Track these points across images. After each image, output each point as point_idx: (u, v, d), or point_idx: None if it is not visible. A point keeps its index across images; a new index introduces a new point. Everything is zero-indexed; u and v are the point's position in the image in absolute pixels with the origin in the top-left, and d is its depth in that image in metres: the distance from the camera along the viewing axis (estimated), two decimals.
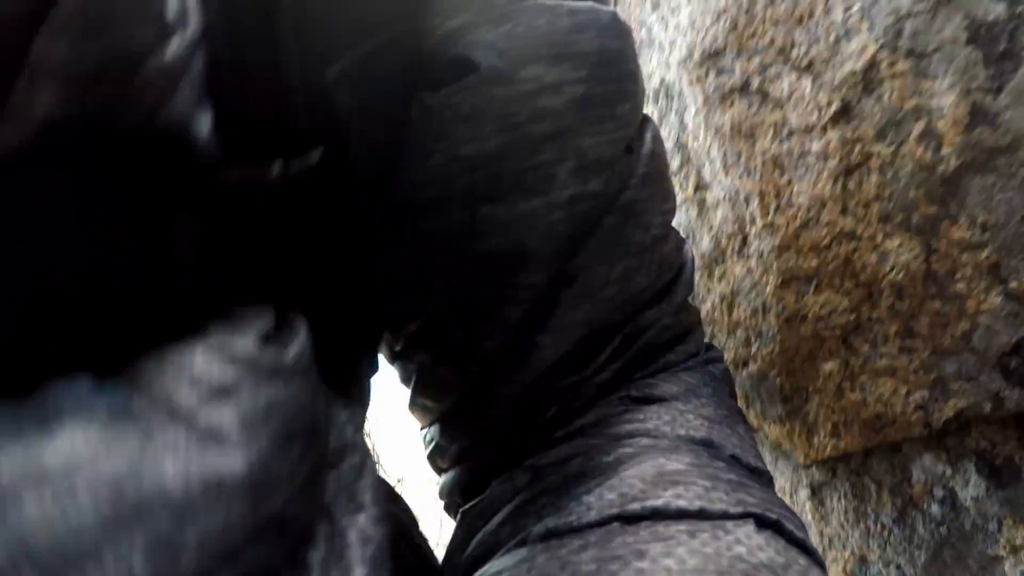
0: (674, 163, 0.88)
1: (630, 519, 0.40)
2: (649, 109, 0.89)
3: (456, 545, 0.53)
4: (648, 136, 0.53)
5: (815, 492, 0.87)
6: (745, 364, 0.86)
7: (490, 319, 0.49)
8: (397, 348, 0.56)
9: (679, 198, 0.88)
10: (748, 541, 0.38)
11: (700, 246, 0.88)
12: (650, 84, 0.90)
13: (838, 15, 0.65)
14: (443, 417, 0.56)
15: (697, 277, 0.89)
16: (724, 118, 0.73)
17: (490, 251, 0.47)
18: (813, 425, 0.79)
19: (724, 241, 0.80)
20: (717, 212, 0.81)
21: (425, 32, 0.45)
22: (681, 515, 0.39)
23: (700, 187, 0.85)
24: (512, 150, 0.45)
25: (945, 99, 0.61)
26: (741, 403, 0.91)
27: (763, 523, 0.40)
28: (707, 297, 0.89)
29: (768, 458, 0.92)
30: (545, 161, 0.46)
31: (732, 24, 0.72)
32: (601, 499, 0.42)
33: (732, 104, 0.72)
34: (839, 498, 0.83)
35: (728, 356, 0.88)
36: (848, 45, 0.65)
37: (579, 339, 0.50)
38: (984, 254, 0.62)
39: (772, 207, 0.70)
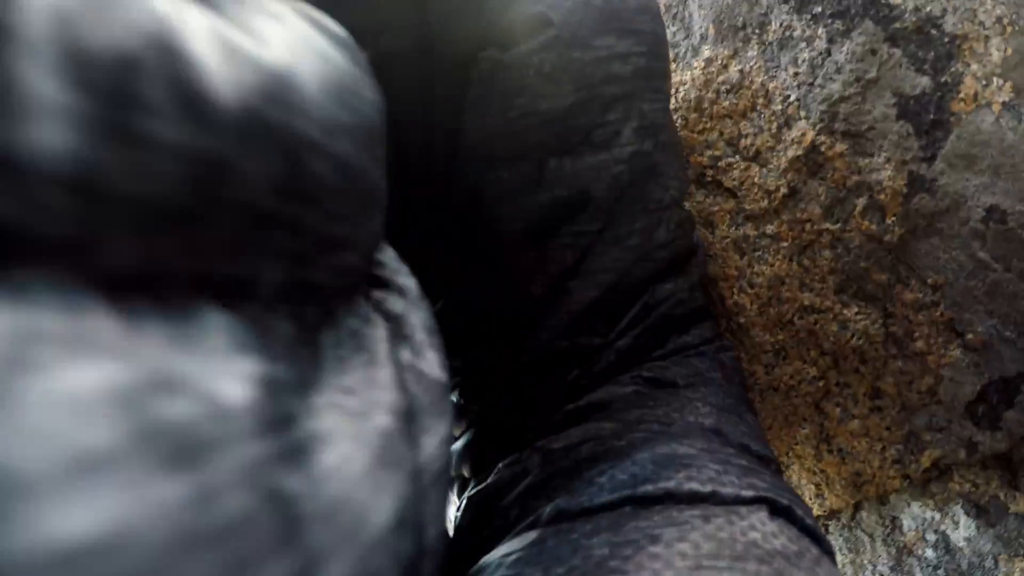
0: None
1: (642, 501, 0.38)
2: None
3: (463, 529, 0.51)
4: (668, 111, 0.55)
5: None
6: None
7: (543, 264, 0.50)
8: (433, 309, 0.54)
9: None
10: (762, 527, 0.37)
11: None
12: None
13: (778, 106, 0.67)
14: (468, 376, 0.54)
15: None
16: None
17: (555, 199, 0.48)
18: (797, 488, 0.78)
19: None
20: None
21: None
22: (693, 498, 0.38)
23: None
24: (586, 108, 0.48)
25: (883, 173, 0.62)
26: None
27: (775, 509, 0.39)
28: None
29: None
30: (613, 120, 0.49)
31: (683, 122, 0.74)
32: (613, 480, 0.41)
33: (690, 195, 0.73)
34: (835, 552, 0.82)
35: None
36: (790, 132, 0.66)
37: (606, 287, 0.50)
38: (938, 312, 0.62)
39: (736, 288, 0.71)
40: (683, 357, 0.53)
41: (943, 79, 0.59)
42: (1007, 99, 0.57)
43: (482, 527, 0.47)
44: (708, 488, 0.39)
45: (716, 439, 0.46)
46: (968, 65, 0.58)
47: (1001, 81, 0.57)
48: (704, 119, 0.72)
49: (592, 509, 0.39)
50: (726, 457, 0.43)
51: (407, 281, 0.35)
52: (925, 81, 0.60)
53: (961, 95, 0.58)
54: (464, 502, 0.52)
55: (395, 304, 0.33)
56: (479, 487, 0.51)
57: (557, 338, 0.51)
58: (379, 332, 0.30)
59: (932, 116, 0.60)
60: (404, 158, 0.47)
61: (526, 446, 0.50)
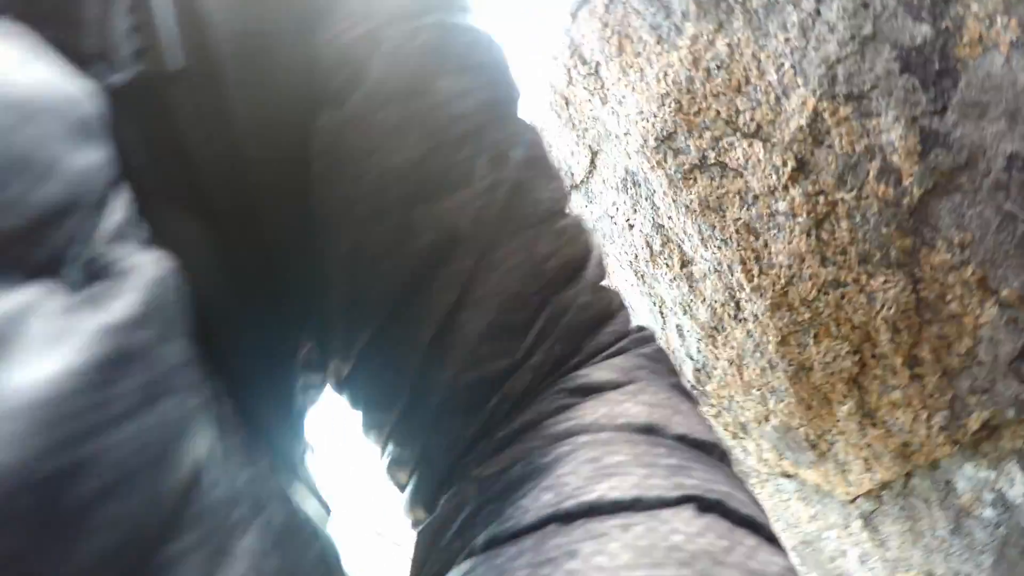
0: (656, 243, 0.85)
1: (566, 518, 0.36)
2: (621, 198, 0.87)
3: (415, 567, 0.49)
4: (527, 127, 0.54)
5: (868, 521, 0.82)
6: (767, 419, 0.82)
7: (427, 309, 0.48)
8: (346, 372, 0.53)
9: (667, 276, 0.86)
10: (686, 528, 0.35)
11: (698, 317, 0.85)
12: (615, 174, 0.87)
13: (772, 76, 0.63)
14: (396, 426, 0.53)
15: (702, 346, 0.86)
16: (691, 195, 0.70)
17: (425, 245, 0.48)
18: (845, 464, 0.75)
19: (719, 309, 0.77)
20: (706, 283, 0.77)
21: (321, 42, 0.47)
22: (616, 508, 0.36)
23: (685, 262, 0.82)
24: (437, 152, 0.48)
25: (893, 132, 0.58)
26: (772, 455, 0.88)
27: (704, 505, 0.37)
28: (716, 364, 0.86)
29: (813, 499, 0.89)
30: (466, 157, 0.48)
31: (677, 106, 0.70)
32: (537, 501, 0.39)
33: (695, 181, 0.69)
34: (892, 522, 0.79)
35: (748, 415, 0.85)
36: (789, 103, 0.62)
37: (497, 310, 0.48)
38: (969, 271, 0.58)
39: (755, 271, 0.67)
40: (604, 359, 0.50)
41: (943, 25, 0.55)
42: (1014, 38, 0.52)
43: (431, 563, 0.46)
44: (631, 495, 0.37)
45: (648, 438, 0.43)
46: (968, 6, 0.53)
47: (1005, 19, 0.52)
48: (698, 100, 0.68)
49: (519, 531, 0.38)
50: (653, 459, 0.40)
51: (140, 267, 0.32)
52: (925, 29, 0.55)
53: (965, 39, 0.54)
54: (415, 539, 0.51)
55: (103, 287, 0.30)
56: (426, 524, 0.49)
57: (462, 371, 0.49)
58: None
59: (937, 66, 0.55)
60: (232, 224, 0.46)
61: (463, 477, 0.48)
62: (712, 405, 0.91)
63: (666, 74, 0.70)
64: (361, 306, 0.50)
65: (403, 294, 0.49)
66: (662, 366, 0.52)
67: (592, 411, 0.45)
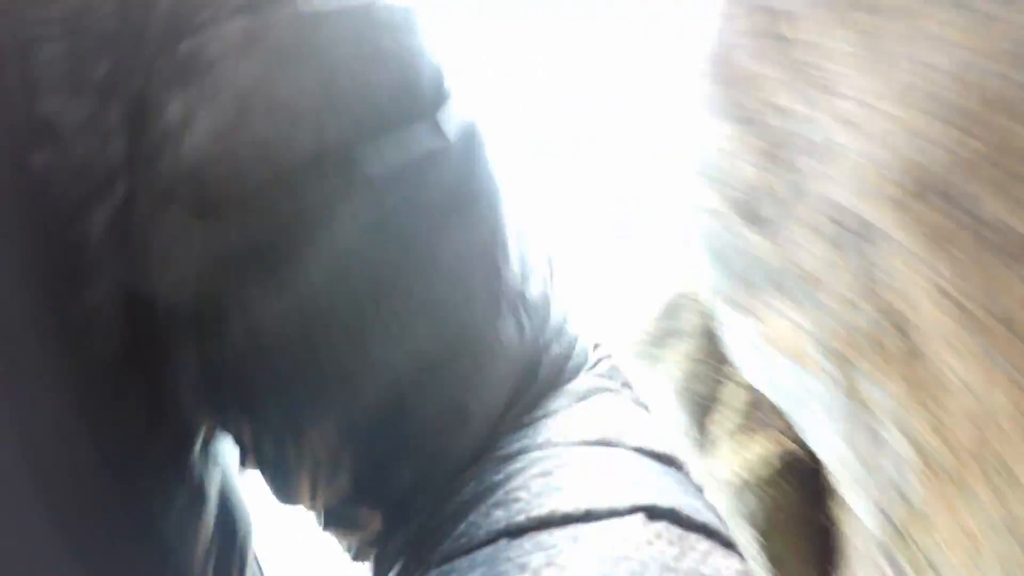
0: (876, 326, 0.57)
1: (517, 533, 0.40)
2: (823, 250, 0.60)
3: None
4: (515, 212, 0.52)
5: None
6: None
7: (420, 465, 0.49)
8: (330, 502, 0.53)
9: (889, 376, 0.60)
10: (636, 537, 0.37)
11: (926, 447, 0.58)
12: (817, 211, 0.59)
13: None
14: (366, 540, 0.54)
15: (919, 485, 0.62)
16: (958, 273, 0.42)
17: (429, 423, 0.48)
18: None
19: (965, 451, 0.52)
20: (954, 403, 0.52)
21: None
22: (567, 520, 0.39)
23: (923, 364, 0.54)
24: (444, 338, 0.47)
25: None
26: None
27: (654, 514, 0.39)
28: (936, 516, 0.60)
29: None
30: (476, 337, 0.48)
31: (968, 121, 0.41)
32: (488, 517, 0.42)
33: (970, 252, 0.42)
34: None
35: None
36: None
37: (485, 431, 0.49)
38: None
39: None
40: (557, 388, 0.52)
41: None
42: None
43: None
44: (582, 508, 0.39)
45: (602, 451, 0.46)
46: None
47: None
48: (1011, 119, 0.39)
49: (473, 547, 0.41)
50: (606, 471, 0.44)
51: None
52: None
53: None
54: (373, 562, 0.53)
55: None
56: (384, 546, 0.52)
57: (444, 481, 0.49)
58: None
59: None
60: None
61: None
62: (903, 557, 0.67)
63: (953, 61, 0.41)
64: (342, 466, 0.49)
65: (392, 461, 0.49)
66: (616, 383, 0.55)
67: (545, 429, 0.48)
